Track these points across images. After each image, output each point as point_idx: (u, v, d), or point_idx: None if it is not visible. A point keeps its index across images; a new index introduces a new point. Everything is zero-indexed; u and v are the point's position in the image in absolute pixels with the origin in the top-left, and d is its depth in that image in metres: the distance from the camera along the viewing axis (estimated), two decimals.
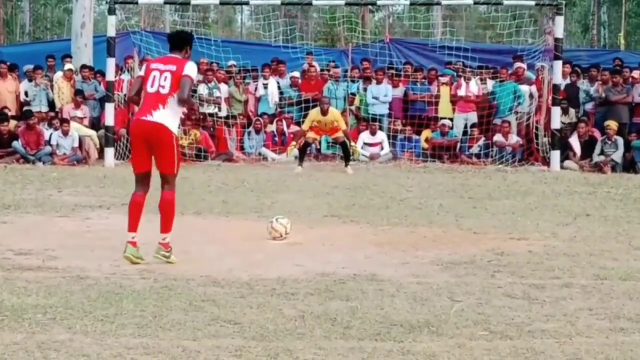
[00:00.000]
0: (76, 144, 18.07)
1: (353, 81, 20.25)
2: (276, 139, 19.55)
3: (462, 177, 16.35)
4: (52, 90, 19.61)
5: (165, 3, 22.38)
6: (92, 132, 18.79)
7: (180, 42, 8.12)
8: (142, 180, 8.02)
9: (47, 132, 18.19)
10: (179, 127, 8.36)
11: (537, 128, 18.70)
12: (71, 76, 19.62)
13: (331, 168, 17.67)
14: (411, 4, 21.12)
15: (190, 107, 7.65)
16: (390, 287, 6.93)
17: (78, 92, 19.29)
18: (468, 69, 19.78)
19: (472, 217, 11.09)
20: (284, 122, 19.65)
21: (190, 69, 7.96)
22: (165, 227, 7.92)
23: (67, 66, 19.69)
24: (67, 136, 17.98)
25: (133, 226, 7.89)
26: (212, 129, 19.32)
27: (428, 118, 19.73)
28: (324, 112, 17.11)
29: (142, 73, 8.23)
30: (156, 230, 7.96)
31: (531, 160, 18.53)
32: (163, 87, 7.85)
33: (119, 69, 19.37)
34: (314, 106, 18.48)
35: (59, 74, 19.80)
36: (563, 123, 18.53)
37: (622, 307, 6.41)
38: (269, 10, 21.24)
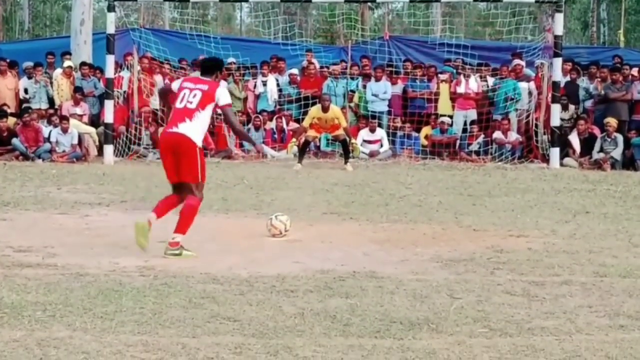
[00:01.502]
0: (75, 141, 18.06)
1: (352, 78, 20.23)
2: (275, 136, 19.54)
3: (461, 174, 16.34)
4: (51, 87, 19.60)
5: (164, 0, 22.39)
6: (92, 129, 18.78)
7: (211, 67, 8.55)
8: (177, 190, 8.37)
9: (46, 130, 18.17)
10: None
11: (536, 125, 18.70)
12: (70, 73, 19.60)
13: (330, 165, 17.66)
14: (411, 1, 21.08)
15: (247, 138, 8.41)
16: (389, 285, 6.92)
17: (77, 89, 19.28)
18: (467, 66, 19.78)
19: (471, 214, 11.08)
20: (284, 120, 19.64)
21: (225, 96, 8.35)
22: (180, 227, 8.11)
23: (67, 63, 19.67)
24: (66, 133, 17.97)
25: (159, 210, 8.19)
26: (211, 126, 19.31)
27: (427, 115, 19.72)
28: (325, 109, 17.11)
29: (174, 85, 8.63)
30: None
31: (531, 158, 18.52)
32: (191, 102, 8.23)
33: (119, 66, 19.36)
34: (313, 103, 18.48)
35: (59, 71, 19.78)
36: (562, 119, 18.53)
37: (622, 305, 6.41)
38: (268, 8, 21.17)
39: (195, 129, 8.18)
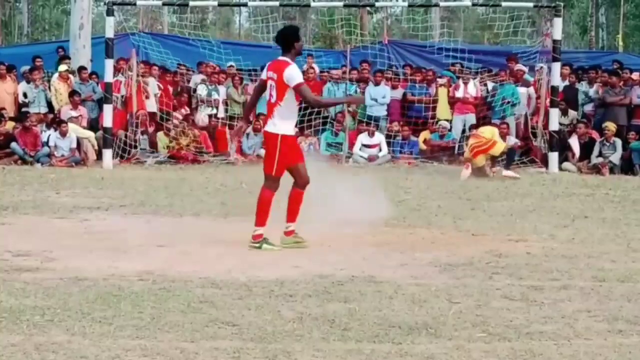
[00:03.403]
0: (74, 145, 18.04)
1: (352, 83, 20.23)
2: None
3: (460, 178, 16.32)
4: (49, 91, 19.56)
5: (163, 4, 22.42)
6: (90, 134, 18.74)
7: (286, 41, 8.65)
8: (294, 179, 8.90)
9: (45, 134, 18.16)
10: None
11: (535, 129, 18.70)
12: (67, 77, 19.57)
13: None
14: (409, 6, 21.14)
15: (335, 103, 9.91)
16: (388, 289, 6.92)
17: (74, 93, 19.19)
18: (466, 71, 19.78)
19: (470, 218, 11.08)
20: None
21: (293, 77, 8.46)
22: (257, 220, 8.64)
23: (62, 67, 19.61)
24: (65, 137, 17.95)
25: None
26: (211, 129, 19.36)
27: (426, 120, 19.72)
28: None
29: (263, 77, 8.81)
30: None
31: (531, 157, 18.52)
32: (272, 96, 8.58)
33: (117, 70, 19.33)
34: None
35: (56, 75, 19.75)
36: (562, 124, 18.53)
37: (621, 309, 6.41)
38: (267, 12, 21.22)
39: (276, 123, 8.50)
